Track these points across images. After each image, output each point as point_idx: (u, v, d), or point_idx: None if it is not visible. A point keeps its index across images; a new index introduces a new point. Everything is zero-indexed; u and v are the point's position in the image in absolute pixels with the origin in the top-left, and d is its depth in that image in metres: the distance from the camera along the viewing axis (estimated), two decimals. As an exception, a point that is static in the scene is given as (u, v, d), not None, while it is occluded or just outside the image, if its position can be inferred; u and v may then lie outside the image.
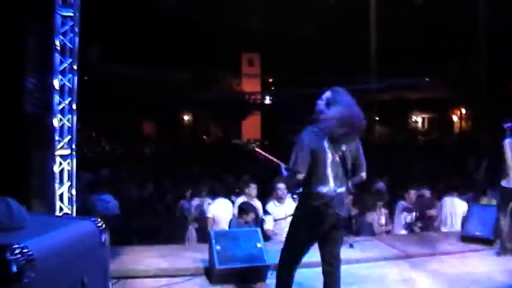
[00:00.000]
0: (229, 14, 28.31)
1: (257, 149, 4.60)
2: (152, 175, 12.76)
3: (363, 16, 25.21)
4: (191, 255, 6.24)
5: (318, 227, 4.16)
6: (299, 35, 29.23)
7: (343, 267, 5.91)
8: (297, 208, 4.42)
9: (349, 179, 4.26)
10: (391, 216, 8.77)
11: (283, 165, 4.29)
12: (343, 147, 4.17)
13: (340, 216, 4.17)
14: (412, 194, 8.79)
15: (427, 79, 31.57)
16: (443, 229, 8.27)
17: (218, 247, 5.52)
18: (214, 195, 8.43)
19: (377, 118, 31.37)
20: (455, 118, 36.29)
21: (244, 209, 6.91)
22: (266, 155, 4.51)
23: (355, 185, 4.52)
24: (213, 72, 33.53)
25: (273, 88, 36.57)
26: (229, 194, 8.36)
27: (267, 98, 33.31)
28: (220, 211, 7.64)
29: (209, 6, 26.89)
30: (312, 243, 4.29)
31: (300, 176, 4.13)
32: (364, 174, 4.37)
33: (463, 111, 35.18)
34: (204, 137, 35.50)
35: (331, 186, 4.12)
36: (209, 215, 7.62)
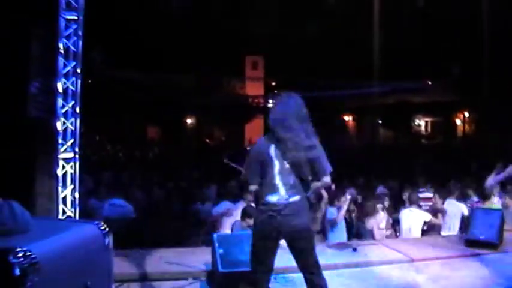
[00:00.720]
0: (233, 18, 28.42)
1: (225, 161, 4.61)
2: (157, 179, 12.79)
3: (366, 19, 25.23)
4: (195, 259, 6.23)
5: (270, 237, 4.00)
6: (302, 38, 29.28)
7: (347, 271, 5.90)
8: (254, 218, 4.33)
9: (307, 187, 4.06)
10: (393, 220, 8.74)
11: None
12: (293, 154, 3.96)
13: (294, 226, 3.96)
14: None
15: (430, 82, 31.58)
16: (443, 232, 8.26)
17: (221, 250, 5.51)
18: (219, 199, 8.44)
19: (380, 121, 31.41)
20: (458, 122, 36.23)
21: (248, 212, 6.90)
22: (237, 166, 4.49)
23: (318, 190, 4.35)
24: (216, 75, 33.62)
25: (276, 91, 36.61)
26: (233, 199, 8.36)
27: (271, 101, 33.31)
28: (224, 215, 7.64)
29: (212, 10, 27.03)
30: (273, 252, 4.10)
31: (253, 187, 4.10)
32: (327, 179, 4.06)
33: (466, 114, 35.12)
34: (208, 140, 35.52)
35: (281, 195, 3.96)
36: (213, 218, 7.63)
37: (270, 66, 35.06)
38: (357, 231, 8.31)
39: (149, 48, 27.63)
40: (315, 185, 4.09)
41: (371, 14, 24.81)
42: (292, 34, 28.42)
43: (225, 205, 7.86)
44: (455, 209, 8.24)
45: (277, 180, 3.98)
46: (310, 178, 4.05)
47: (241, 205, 7.62)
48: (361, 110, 35.37)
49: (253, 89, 36.86)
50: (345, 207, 7.84)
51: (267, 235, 4.02)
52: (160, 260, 6.18)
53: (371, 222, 8.38)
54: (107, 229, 3.09)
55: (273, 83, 37.08)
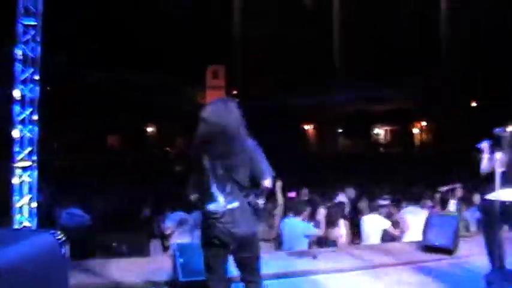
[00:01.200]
0: (194, 27, 28.43)
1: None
2: (116, 188, 12.63)
3: (327, 29, 25.61)
4: (155, 268, 6.17)
5: (215, 246, 3.99)
6: (264, 47, 29.47)
7: (308, 278, 5.95)
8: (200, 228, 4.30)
9: (247, 192, 4.01)
10: (354, 227, 8.85)
11: None
12: (228, 161, 3.91)
13: (236, 233, 3.93)
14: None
15: (389, 92, 32.18)
16: (405, 239, 8.39)
17: (181, 259, 5.48)
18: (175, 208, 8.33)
19: (341, 130, 31.82)
20: (415, 130, 37.01)
21: None
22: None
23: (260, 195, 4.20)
24: (177, 84, 33.50)
25: (237, 100, 36.66)
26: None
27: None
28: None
29: (173, 20, 26.98)
30: (222, 260, 4.09)
31: (192, 197, 4.12)
32: (266, 183, 4.00)
33: (424, 123, 35.92)
34: (168, 149, 35.26)
35: (220, 202, 3.92)
36: (172, 228, 7.54)
37: (231, 76, 35.12)
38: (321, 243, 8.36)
39: (110, 54, 27.33)
40: (258, 189, 4.04)
41: (331, 23, 25.20)
42: (254, 43, 28.59)
43: (179, 215, 7.77)
44: (416, 215, 8.38)
45: (214, 188, 3.94)
46: (247, 184, 4.01)
47: (196, 214, 7.57)
48: (322, 119, 35.75)
49: (214, 97, 36.82)
50: (323, 222, 7.92)
51: (211, 243, 4.01)
52: (119, 270, 6.09)
53: (333, 231, 8.45)
54: (64, 238, 3.04)
55: (234, 92, 37.17)
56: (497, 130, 6.10)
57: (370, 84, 28.31)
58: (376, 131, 38.75)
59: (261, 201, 4.08)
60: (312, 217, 8.48)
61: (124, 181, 14.64)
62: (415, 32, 26.46)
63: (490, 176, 5.69)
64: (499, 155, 5.89)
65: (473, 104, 31.09)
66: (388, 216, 8.87)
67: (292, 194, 12.09)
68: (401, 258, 7.00)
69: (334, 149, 31.53)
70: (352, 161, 24.49)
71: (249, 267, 4.08)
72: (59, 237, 3.00)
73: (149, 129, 37.77)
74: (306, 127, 39.07)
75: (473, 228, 9.04)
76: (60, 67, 26.14)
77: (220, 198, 3.93)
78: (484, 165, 5.63)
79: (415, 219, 8.39)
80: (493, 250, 5.65)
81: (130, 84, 30.29)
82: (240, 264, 4.11)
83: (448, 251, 7.03)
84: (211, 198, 3.94)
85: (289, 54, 29.93)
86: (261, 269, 4.19)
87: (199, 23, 28.73)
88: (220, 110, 4.10)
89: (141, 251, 7.56)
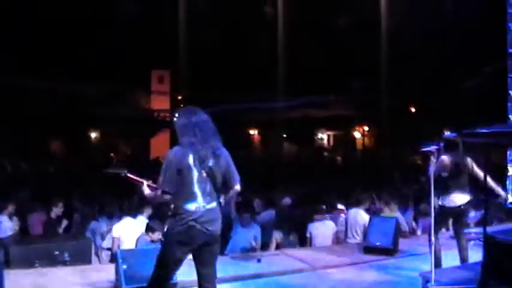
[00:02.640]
0: (139, 30, 28.14)
1: (128, 175, 4.60)
2: (58, 194, 12.27)
3: (272, 35, 25.85)
4: (98, 276, 6.09)
5: (187, 245, 4.10)
6: (209, 52, 29.48)
7: (252, 281, 6.02)
8: (168, 226, 4.35)
9: (220, 194, 4.23)
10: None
11: (145, 183, 4.30)
12: (210, 163, 4.13)
13: (211, 232, 4.11)
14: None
15: (332, 97, 32.76)
16: (349, 240, 8.59)
17: (125, 266, 5.44)
18: (121, 214, 8.24)
19: (285, 135, 32.14)
20: (358, 135, 37.80)
21: (151, 227, 6.84)
22: (137, 178, 4.49)
23: (231, 198, 4.52)
24: (121, 89, 33.02)
25: (182, 106, 36.47)
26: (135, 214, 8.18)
27: (176, 115, 33.12)
28: (126, 231, 7.47)
29: (118, 22, 26.63)
30: (181, 261, 4.20)
31: (168, 197, 4.19)
32: (237, 187, 4.30)
33: (366, 128, 36.74)
34: (112, 154, 34.66)
35: (199, 202, 4.09)
36: (115, 235, 7.44)
37: (176, 81, 34.93)
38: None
39: (52, 57, 26.66)
40: (229, 192, 4.29)
41: (275, 29, 25.45)
42: (199, 49, 28.51)
43: (126, 221, 7.69)
44: (361, 218, 8.56)
45: (196, 188, 4.08)
46: (221, 187, 4.23)
47: (141, 219, 7.51)
48: (267, 124, 36.04)
49: (159, 103, 36.54)
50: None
51: (183, 243, 4.08)
52: (61, 279, 5.98)
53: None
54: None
55: (179, 97, 36.97)
56: (446, 135, 6.37)
57: (315, 89, 28.72)
58: (320, 136, 39.36)
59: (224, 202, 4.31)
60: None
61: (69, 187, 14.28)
62: (357, 38, 27.05)
63: (436, 180, 5.81)
64: (446, 159, 6.19)
65: (412, 110, 32.15)
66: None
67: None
68: (344, 259, 7.18)
69: (279, 153, 31.79)
70: (297, 167, 24.80)
71: (210, 269, 4.21)
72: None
73: (93, 135, 37.05)
74: (252, 132, 39.33)
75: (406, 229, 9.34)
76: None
77: (200, 199, 4.09)
78: (432, 169, 5.68)
79: (357, 222, 8.59)
80: (436, 250, 5.91)
81: (74, 88, 29.67)
82: (203, 265, 4.20)
83: (388, 251, 7.26)
84: (192, 198, 4.08)
85: (235, 60, 30.06)
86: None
87: (144, 27, 28.42)
88: (200, 115, 4.33)
89: (83, 258, 7.42)
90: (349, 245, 8.17)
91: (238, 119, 34.34)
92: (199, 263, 4.21)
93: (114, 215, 8.69)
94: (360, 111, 33.12)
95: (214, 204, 4.14)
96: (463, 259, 6.27)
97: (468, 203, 6.31)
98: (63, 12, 25.22)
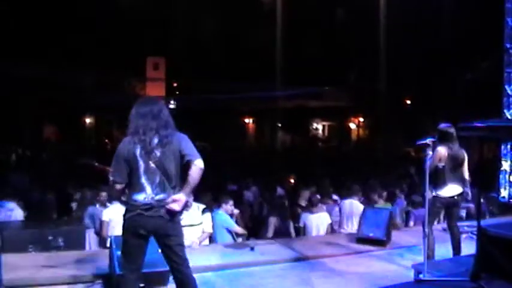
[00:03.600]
0: (136, 17, 27.98)
1: (96, 164, 4.64)
2: (53, 180, 12.28)
3: (269, 24, 25.77)
4: (91, 262, 6.10)
5: (138, 235, 4.12)
6: (205, 40, 29.37)
7: (245, 270, 6.06)
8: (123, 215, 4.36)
9: (176, 184, 4.16)
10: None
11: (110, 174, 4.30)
12: (158, 153, 4.10)
13: (160, 221, 4.09)
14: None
15: (327, 88, 32.74)
16: (343, 231, 8.64)
17: (119, 252, 5.43)
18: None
19: (279, 125, 32.16)
20: (353, 126, 37.87)
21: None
22: (105, 167, 4.52)
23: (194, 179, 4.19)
24: (116, 75, 32.85)
25: (177, 93, 36.39)
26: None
27: (172, 102, 33.08)
28: (117, 215, 7.44)
29: (115, 8, 26.47)
30: (142, 250, 4.23)
31: (119, 186, 4.20)
32: (198, 162, 4.09)
33: (361, 119, 36.79)
34: (107, 140, 34.58)
35: (148, 193, 4.09)
36: (105, 218, 7.40)
37: (171, 68, 34.80)
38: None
39: (46, 43, 26.50)
40: (191, 174, 4.10)
41: (274, 19, 25.36)
42: (194, 36, 28.43)
43: (117, 206, 7.65)
44: (355, 208, 8.60)
45: (143, 180, 4.09)
46: (178, 175, 4.16)
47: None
48: (261, 113, 36.02)
49: (154, 89, 36.37)
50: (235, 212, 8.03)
51: (134, 232, 4.13)
52: (55, 264, 5.98)
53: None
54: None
55: (175, 84, 36.84)
56: (442, 126, 6.40)
57: (310, 80, 28.70)
58: (315, 126, 39.40)
59: (187, 196, 4.19)
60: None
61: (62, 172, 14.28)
62: (354, 29, 27.00)
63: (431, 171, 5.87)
64: (442, 150, 6.24)
65: (408, 101, 32.16)
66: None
67: (234, 187, 12.23)
68: (336, 249, 7.22)
69: (274, 143, 31.84)
70: (292, 155, 24.86)
71: (175, 255, 4.19)
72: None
73: (87, 121, 36.94)
74: (247, 121, 39.33)
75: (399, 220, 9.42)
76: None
77: (148, 190, 4.09)
78: (429, 161, 5.72)
79: (351, 212, 8.64)
80: (429, 242, 5.98)
81: (69, 75, 29.49)
82: (167, 253, 4.22)
83: (381, 242, 7.30)
84: (139, 189, 4.10)
85: (232, 49, 29.98)
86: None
87: (140, 13, 28.27)
88: (153, 104, 4.30)
89: (77, 243, 7.43)
90: (342, 235, 8.21)
91: (234, 107, 34.34)
92: (164, 251, 4.24)
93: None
94: (355, 102, 33.13)
95: (164, 195, 4.10)
96: (456, 251, 6.36)
97: (460, 194, 6.41)
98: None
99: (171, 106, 34.31)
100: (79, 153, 22.42)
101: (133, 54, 30.61)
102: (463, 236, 6.95)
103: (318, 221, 8.41)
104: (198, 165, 4.10)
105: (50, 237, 6.81)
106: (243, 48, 29.59)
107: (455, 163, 6.32)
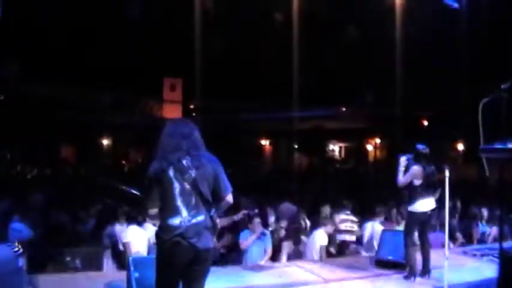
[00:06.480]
0: (152, 38, 28.28)
1: (124, 188, 4.59)
2: (70, 200, 12.31)
3: (285, 46, 25.86)
4: (109, 283, 6.09)
5: (175, 262, 3.91)
6: (221, 61, 29.54)
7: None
8: (156, 243, 4.16)
9: (210, 206, 4.00)
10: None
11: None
12: (193, 174, 3.93)
13: (199, 248, 3.88)
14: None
15: (344, 109, 32.71)
16: (364, 253, 8.55)
17: (137, 274, 5.41)
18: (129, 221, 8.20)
19: (296, 146, 32.14)
20: (369, 147, 37.68)
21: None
22: (131, 190, 4.47)
23: (222, 210, 4.24)
24: (134, 96, 33.18)
25: (194, 114, 36.61)
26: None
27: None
28: (135, 238, 7.44)
29: (131, 29, 26.78)
30: (177, 280, 4.01)
31: (152, 211, 4.13)
32: (229, 198, 4.06)
33: (378, 141, 36.61)
34: (124, 161, 34.79)
35: (184, 216, 3.88)
36: (127, 240, 7.40)
37: (188, 89, 35.03)
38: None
39: (66, 66, 26.86)
40: (221, 204, 4.07)
41: (290, 40, 25.45)
42: (212, 57, 28.59)
43: (133, 229, 7.65)
44: (376, 231, 8.51)
45: (179, 202, 3.90)
46: (211, 198, 4.00)
47: (149, 227, 7.48)
48: (278, 134, 36.03)
49: (171, 111, 36.64)
50: (257, 231, 7.90)
51: (174, 262, 3.92)
52: (73, 284, 5.99)
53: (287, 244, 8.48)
54: (20, 251, 3.00)
55: (191, 106, 37.03)
56: (419, 147, 6.97)
57: (327, 101, 28.72)
58: (331, 147, 39.30)
59: (216, 217, 4.07)
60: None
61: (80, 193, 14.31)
62: (370, 50, 26.99)
63: (406, 187, 6.83)
64: (418, 169, 6.79)
65: (425, 122, 31.97)
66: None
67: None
68: (354, 272, 7.14)
69: (290, 164, 31.80)
70: (308, 177, 24.73)
71: (197, 282, 4.02)
72: (16, 249, 2.97)
73: (104, 142, 37.22)
74: (263, 142, 39.32)
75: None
76: (13, 79, 25.63)
77: (184, 213, 3.90)
78: (401, 177, 6.79)
79: (373, 234, 8.55)
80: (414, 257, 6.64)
81: (86, 95, 29.85)
82: (189, 278, 4.00)
83: (400, 265, 7.20)
84: (174, 212, 3.89)
85: (248, 69, 30.09)
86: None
87: (157, 34, 28.54)
88: (183, 125, 4.18)
89: (94, 265, 7.43)
90: (361, 258, 8.13)
91: (250, 128, 34.39)
92: (186, 281, 4.02)
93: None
94: (372, 123, 33.03)
95: (201, 217, 3.93)
96: (425, 262, 6.80)
97: (434, 209, 6.93)
98: (76, 19, 25.39)
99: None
100: (96, 173, 22.55)
101: (150, 75, 30.89)
102: (484, 258, 6.95)
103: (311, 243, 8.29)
104: (228, 201, 4.06)
105: (68, 258, 6.82)
106: (259, 69, 29.68)
107: (428, 181, 6.84)
